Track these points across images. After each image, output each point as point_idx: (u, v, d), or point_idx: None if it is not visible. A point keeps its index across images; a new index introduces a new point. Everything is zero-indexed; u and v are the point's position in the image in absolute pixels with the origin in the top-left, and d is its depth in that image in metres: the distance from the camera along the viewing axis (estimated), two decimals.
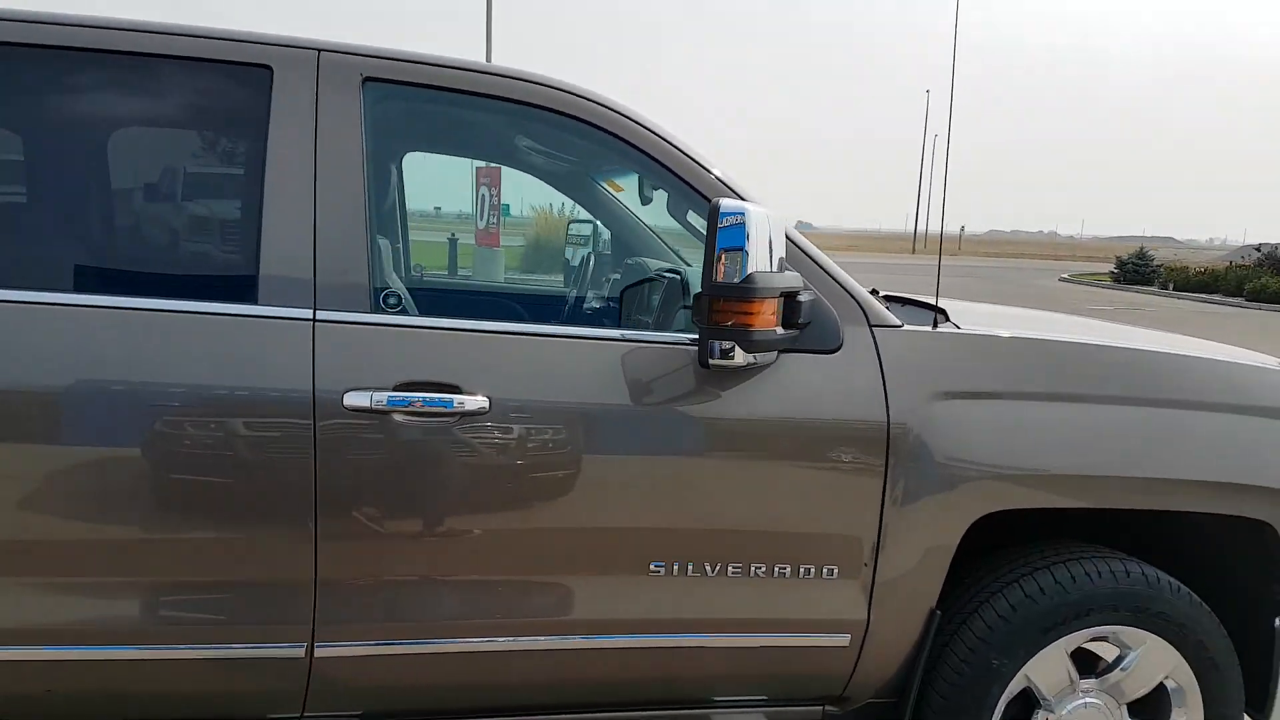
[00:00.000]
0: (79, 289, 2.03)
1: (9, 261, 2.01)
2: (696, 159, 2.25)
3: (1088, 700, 2.41)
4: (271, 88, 2.07)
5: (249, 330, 2.00)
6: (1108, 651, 2.47)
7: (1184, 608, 2.38)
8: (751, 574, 2.20)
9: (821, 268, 2.28)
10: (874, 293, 2.65)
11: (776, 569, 2.21)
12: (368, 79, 2.14)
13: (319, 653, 2.05)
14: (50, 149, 2.14)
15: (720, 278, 1.84)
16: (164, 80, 2.10)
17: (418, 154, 2.98)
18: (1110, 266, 32.30)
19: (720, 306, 1.86)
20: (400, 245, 3.21)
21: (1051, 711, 2.39)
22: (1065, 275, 36.51)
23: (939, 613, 2.29)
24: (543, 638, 2.15)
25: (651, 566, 2.16)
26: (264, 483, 1.99)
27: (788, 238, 2.25)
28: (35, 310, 1.92)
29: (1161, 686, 2.45)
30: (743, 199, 2.20)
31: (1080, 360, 2.40)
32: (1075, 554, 2.39)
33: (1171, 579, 2.40)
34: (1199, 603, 2.41)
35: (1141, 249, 32.42)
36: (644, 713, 2.31)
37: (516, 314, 3.29)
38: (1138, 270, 30.59)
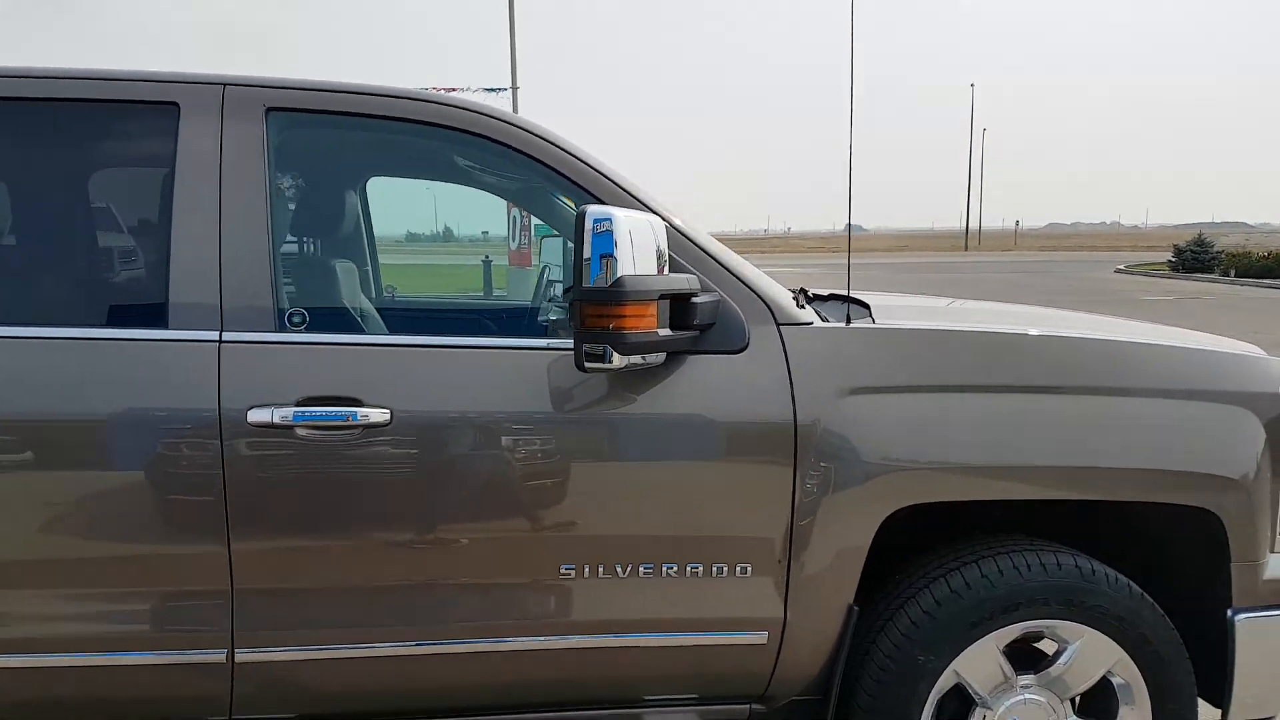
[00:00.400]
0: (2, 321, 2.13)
1: None
2: (596, 167, 2.28)
3: (1027, 696, 2.36)
4: (179, 123, 2.16)
5: (160, 353, 2.08)
6: (1050, 647, 2.43)
7: (1123, 600, 2.33)
8: (664, 574, 2.21)
9: (728, 269, 2.29)
10: (802, 292, 2.65)
11: (689, 568, 2.22)
12: (271, 109, 2.21)
13: (239, 658, 2.11)
14: None
15: (589, 282, 1.86)
16: (79, 121, 2.20)
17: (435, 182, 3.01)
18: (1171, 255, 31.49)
19: (591, 311, 1.88)
20: (368, 267, 3.30)
21: (989, 708, 2.35)
22: (1122, 266, 35.63)
23: (857, 609, 2.28)
24: (457, 642, 2.19)
25: (562, 569, 2.18)
26: (179, 497, 2.07)
27: (694, 242, 2.27)
28: None
29: (1108, 683, 2.41)
30: (647, 206, 2.23)
31: (997, 350, 2.37)
32: (1004, 548, 2.35)
33: (1110, 571, 2.35)
34: (1140, 595, 2.36)
35: (1200, 235, 31.50)
36: (572, 713, 2.33)
37: (481, 328, 3.34)
38: (1197, 257, 29.72)
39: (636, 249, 1.92)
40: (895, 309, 2.65)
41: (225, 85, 2.20)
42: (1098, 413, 2.35)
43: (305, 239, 2.58)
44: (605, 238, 1.86)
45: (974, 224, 62.43)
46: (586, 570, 2.19)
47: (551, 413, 2.16)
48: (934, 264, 37.84)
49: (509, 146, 2.27)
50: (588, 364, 1.91)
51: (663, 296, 1.98)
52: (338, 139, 2.52)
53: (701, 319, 2.15)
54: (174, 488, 2.06)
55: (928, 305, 3.22)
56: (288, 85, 2.23)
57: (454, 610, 2.19)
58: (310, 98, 2.24)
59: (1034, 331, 2.45)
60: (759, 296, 2.28)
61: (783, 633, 2.26)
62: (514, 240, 13.08)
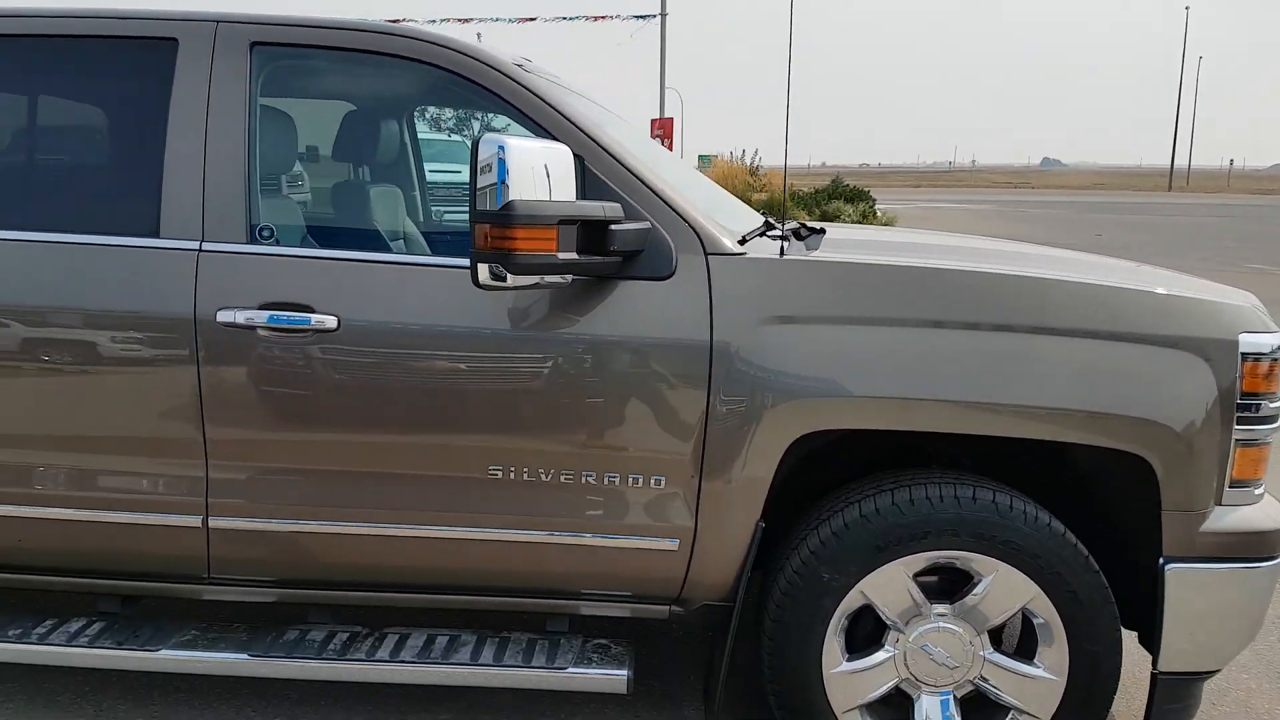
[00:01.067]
0: (21, 228, 2.51)
1: None
2: (551, 103, 2.43)
3: (941, 625, 2.43)
4: (176, 56, 2.46)
5: (151, 258, 2.42)
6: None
7: (1040, 538, 2.34)
8: (583, 481, 2.40)
9: (665, 202, 2.41)
10: (802, 226, 2.74)
11: (607, 477, 2.40)
12: (255, 43, 2.48)
13: (213, 524, 2.47)
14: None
15: (481, 206, 2.04)
16: (87, 55, 2.55)
17: None
18: None
19: (488, 232, 2.06)
20: (414, 192, 3.58)
21: (901, 632, 2.43)
22: None
23: (763, 525, 2.40)
24: (402, 525, 2.46)
25: (490, 469, 2.41)
26: (162, 386, 2.42)
27: (635, 175, 2.41)
28: None
29: (1029, 620, 2.44)
30: (597, 142, 2.39)
31: (915, 285, 2.39)
32: (922, 479, 2.40)
33: (1031, 509, 2.36)
34: (1061, 534, 2.36)
35: None
36: (512, 599, 2.59)
37: (426, 249, 3.35)
38: None
39: (541, 177, 2.08)
40: (847, 242, 2.69)
41: (219, 22, 2.48)
42: (1014, 349, 2.34)
43: (283, 164, 2.85)
44: (498, 165, 2.02)
45: (1182, 162, 57.43)
46: (512, 473, 2.41)
47: (480, 328, 2.37)
48: (1118, 204, 35.31)
49: (466, 79, 2.45)
50: (482, 281, 2.09)
51: (564, 221, 2.13)
52: (315, 71, 2.78)
53: (623, 245, 2.29)
54: (159, 377, 2.42)
55: (888, 239, 3.20)
56: (270, 21, 2.49)
57: (398, 497, 2.46)
58: (288, 33, 2.49)
59: (956, 267, 2.44)
60: (691, 227, 2.39)
61: (693, 541, 2.41)
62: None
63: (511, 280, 2.09)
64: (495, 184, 2.02)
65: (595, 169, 2.41)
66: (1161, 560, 2.37)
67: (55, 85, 2.65)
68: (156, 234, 2.43)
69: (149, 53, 2.50)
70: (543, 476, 2.41)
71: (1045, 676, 2.43)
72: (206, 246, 2.40)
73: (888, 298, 2.37)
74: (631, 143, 2.59)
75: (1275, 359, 2.38)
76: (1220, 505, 2.37)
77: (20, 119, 2.68)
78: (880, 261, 2.47)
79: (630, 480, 2.40)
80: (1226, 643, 2.46)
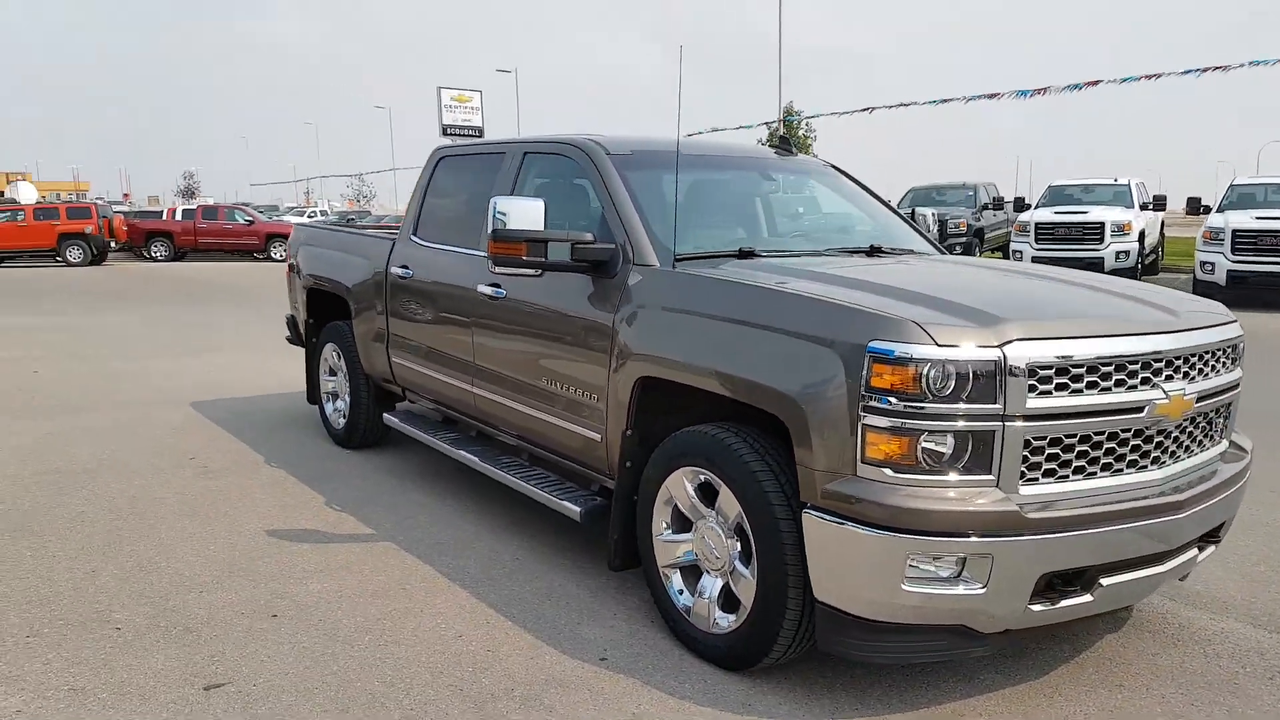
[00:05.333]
0: (453, 244, 5.31)
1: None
2: (605, 180, 4.28)
3: (711, 524, 3.52)
4: (502, 160, 4.99)
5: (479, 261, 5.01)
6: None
7: (740, 471, 3.29)
8: (560, 389, 4.20)
9: (629, 234, 4.02)
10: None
11: (566, 388, 4.16)
12: (527, 153, 4.87)
13: (475, 391, 4.94)
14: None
15: (489, 230, 4.04)
16: (486, 160, 5.26)
17: None
18: None
19: (491, 244, 4.04)
20: None
21: (696, 524, 3.59)
22: None
23: (629, 432, 3.81)
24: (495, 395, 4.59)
25: (530, 378, 4.37)
26: (459, 322, 4.99)
27: (620, 217, 4.09)
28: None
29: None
30: (610, 193, 4.17)
31: (718, 292, 3.52)
32: (700, 425, 3.54)
33: (744, 448, 3.30)
34: (753, 473, 3.25)
35: None
36: (524, 444, 4.51)
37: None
38: None
39: (519, 219, 4.00)
40: (760, 265, 3.82)
41: (524, 142, 4.94)
42: (751, 339, 3.33)
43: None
44: (496, 214, 4.01)
45: None
46: (540, 380, 4.33)
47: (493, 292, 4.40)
48: None
49: (583, 163, 4.45)
50: (490, 269, 4.11)
51: (531, 240, 3.99)
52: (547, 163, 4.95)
53: (584, 257, 4.01)
54: (460, 319, 4.99)
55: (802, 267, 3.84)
56: (535, 139, 4.84)
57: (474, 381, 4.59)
58: (538, 146, 4.82)
59: (745, 281, 3.48)
60: (632, 249, 3.97)
61: (605, 436, 3.98)
62: None
63: (496, 270, 4.07)
64: (491, 220, 4.04)
65: (608, 214, 4.15)
66: (801, 504, 3.10)
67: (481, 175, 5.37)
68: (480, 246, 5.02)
69: (498, 158, 5.06)
70: (545, 384, 4.28)
71: (747, 578, 3.33)
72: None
73: (697, 298, 3.60)
74: (643, 200, 4.18)
75: (906, 365, 2.86)
76: (855, 476, 2.97)
77: (475, 193, 5.52)
78: (706, 275, 3.64)
79: (581, 393, 4.10)
80: (859, 593, 2.99)
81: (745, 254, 4.07)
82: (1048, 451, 2.98)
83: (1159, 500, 3.13)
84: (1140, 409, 3.09)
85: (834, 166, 5.33)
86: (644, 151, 4.58)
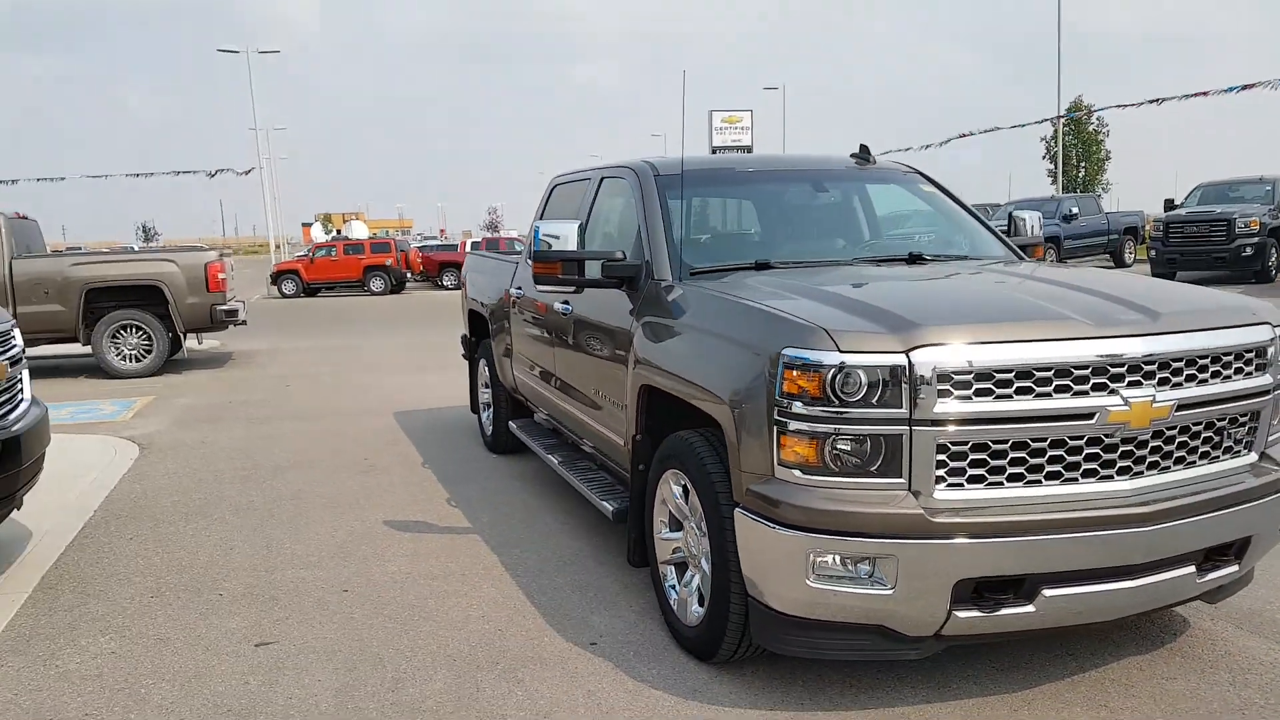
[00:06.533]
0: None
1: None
2: (646, 209, 4.57)
3: (692, 522, 3.71)
4: (600, 185, 5.41)
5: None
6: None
7: (700, 473, 3.47)
8: (597, 394, 4.51)
9: (651, 255, 4.29)
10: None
11: (606, 395, 4.46)
12: (603, 179, 5.24)
13: (555, 400, 5.37)
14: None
15: (531, 252, 4.43)
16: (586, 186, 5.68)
17: None
18: None
19: (534, 264, 4.43)
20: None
21: (684, 526, 3.79)
22: None
23: (639, 437, 4.06)
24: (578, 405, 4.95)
25: (579, 387, 4.71)
26: (548, 330, 5.43)
27: (647, 240, 4.37)
28: None
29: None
30: (646, 224, 4.48)
31: (707, 306, 3.71)
32: (675, 429, 3.74)
33: (706, 451, 3.48)
34: (710, 474, 3.42)
35: None
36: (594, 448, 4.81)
37: None
38: None
39: (558, 241, 4.38)
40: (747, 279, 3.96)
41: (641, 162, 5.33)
42: (704, 345, 3.52)
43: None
44: (539, 237, 4.42)
45: None
46: (585, 389, 4.66)
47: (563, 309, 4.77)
48: None
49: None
50: (537, 286, 4.52)
51: (566, 259, 4.35)
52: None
53: (615, 274, 4.33)
54: (545, 334, 5.42)
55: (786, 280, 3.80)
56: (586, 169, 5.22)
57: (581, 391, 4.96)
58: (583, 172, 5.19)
59: (712, 293, 3.65)
60: (651, 266, 4.24)
61: (626, 441, 4.25)
62: None
63: (540, 288, 4.47)
64: (534, 242, 4.45)
65: (640, 231, 4.45)
66: (734, 503, 3.23)
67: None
68: None
69: (586, 183, 5.48)
70: (594, 392, 4.61)
71: (706, 573, 3.50)
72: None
73: (675, 310, 3.81)
74: (675, 217, 4.41)
75: (813, 370, 2.94)
76: (774, 477, 3.07)
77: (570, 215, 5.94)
78: (707, 292, 3.82)
79: (614, 399, 4.40)
80: (775, 589, 3.09)
81: (761, 266, 4.20)
82: (971, 457, 2.93)
83: (1115, 512, 2.96)
84: (1089, 416, 2.94)
85: (918, 173, 5.25)
86: (698, 172, 4.81)
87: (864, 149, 5.23)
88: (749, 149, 43.81)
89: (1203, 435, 3.17)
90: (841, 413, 2.92)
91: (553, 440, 5.97)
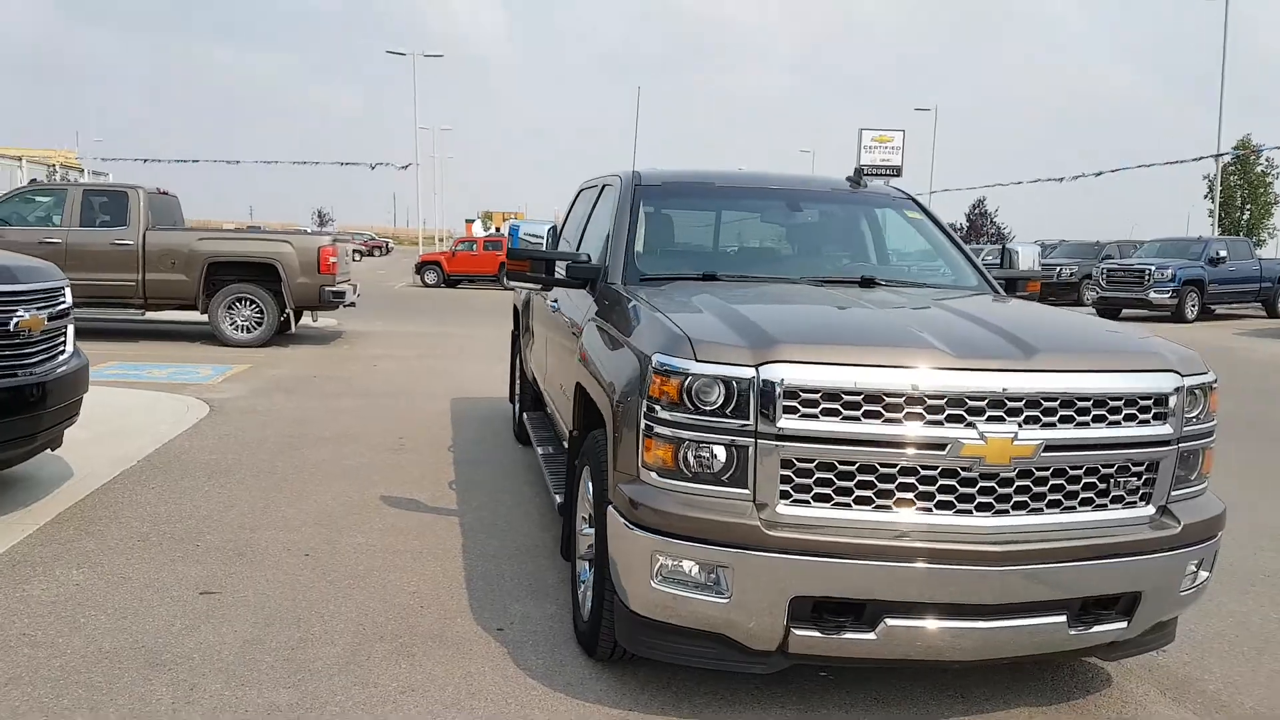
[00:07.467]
0: None
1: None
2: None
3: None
4: (602, 192, 5.54)
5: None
6: None
7: (597, 471, 3.55)
8: (563, 390, 4.63)
9: (610, 250, 4.39)
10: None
11: (566, 391, 4.57)
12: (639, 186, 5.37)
13: (545, 388, 5.51)
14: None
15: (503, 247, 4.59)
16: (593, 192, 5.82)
17: None
18: None
19: (507, 262, 4.59)
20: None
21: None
22: None
23: (574, 433, 4.16)
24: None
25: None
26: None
27: (609, 247, 4.48)
28: None
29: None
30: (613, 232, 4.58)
31: (626, 311, 3.78)
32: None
33: (603, 451, 3.55)
34: (603, 471, 3.49)
35: None
36: None
37: None
38: None
39: (533, 242, 4.55)
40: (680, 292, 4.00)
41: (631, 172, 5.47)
42: (615, 349, 3.60)
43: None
44: (515, 235, 4.59)
45: None
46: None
47: (552, 305, 4.86)
48: None
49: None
50: (506, 283, 4.66)
51: (533, 258, 4.50)
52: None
53: (577, 275, 4.45)
54: (541, 328, 5.58)
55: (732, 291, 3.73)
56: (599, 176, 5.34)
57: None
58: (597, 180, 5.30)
59: (628, 298, 3.72)
60: (599, 272, 4.34)
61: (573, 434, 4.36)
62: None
63: (510, 283, 4.63)
64: (508, 241, 4.62)
65: (609, 242, 4.56)
66: (607, 502, 3.30)
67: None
68: None
69: (596, 189, 5.61)
70: (560, 388, 4.73)
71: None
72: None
73: (602, 313, 3.90)
74: (643, 226, 4.49)
75: (673, 377, 2.99)
76: (638, 479, 3.13)
77: (578, 219, 6.07)
78: (632, 296, 3.89)
79: (567, 396, 4.52)
80: (628, 588, 3.14)
81: (707, 278, 4.24)
82: (818, 475, 2.92)
83: (964, 547, 2.88)
84: (940, 446, 2.87)
85: (909, 198, 5.16)
86: (680, 183, 4.90)
87: (858, 172, 5.24)
88: (898, 169, 42.95)
89: (1083, 480, 3.02)
90: (696, 420, 2.96)
91: (550, 433, 6.12)
